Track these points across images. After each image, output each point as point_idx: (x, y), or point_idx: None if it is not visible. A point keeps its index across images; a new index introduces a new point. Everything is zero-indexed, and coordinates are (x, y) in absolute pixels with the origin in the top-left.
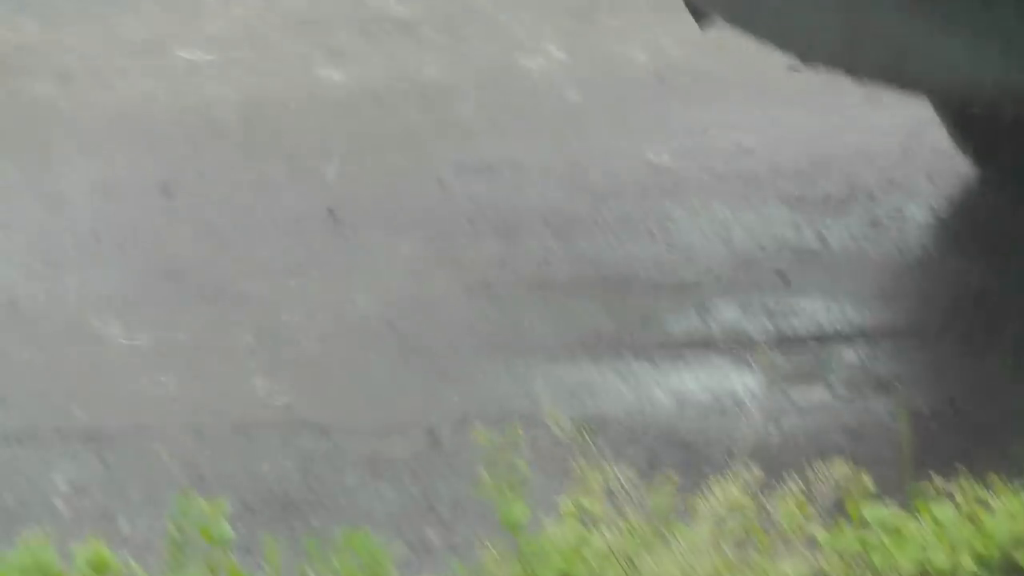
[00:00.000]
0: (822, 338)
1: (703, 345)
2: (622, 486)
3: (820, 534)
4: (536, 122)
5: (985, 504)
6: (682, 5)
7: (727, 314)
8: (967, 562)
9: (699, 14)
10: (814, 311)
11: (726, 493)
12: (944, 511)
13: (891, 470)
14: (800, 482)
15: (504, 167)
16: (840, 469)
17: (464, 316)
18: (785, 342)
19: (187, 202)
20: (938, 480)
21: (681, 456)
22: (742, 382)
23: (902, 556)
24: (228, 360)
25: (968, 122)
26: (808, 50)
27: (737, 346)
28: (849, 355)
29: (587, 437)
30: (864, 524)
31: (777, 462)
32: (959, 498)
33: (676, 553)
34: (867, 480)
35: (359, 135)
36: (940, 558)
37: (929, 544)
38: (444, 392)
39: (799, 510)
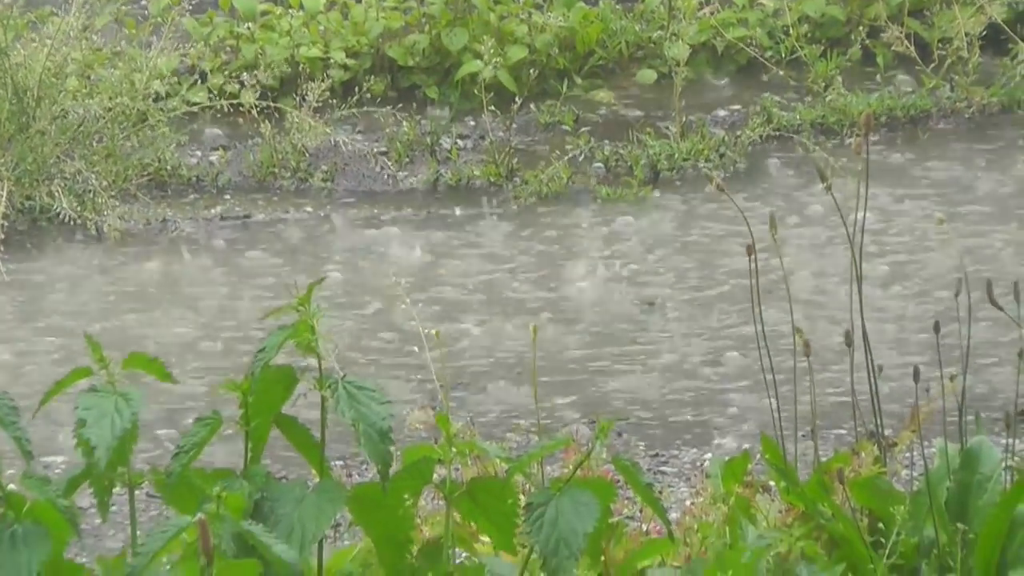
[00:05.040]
0: None
1: None
2: None
3: (189, 23)
4: None
5: None
6: None
7: None
8: (338, 55)
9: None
10: None
11: None
12: (313, 2)
13: None
14: None
15: None
16: None
17: None
18: None
19: None
20: None
21: None
22: None
23: (272, 47)
24: None
25: None
26: None
27: None
28: None
29: None
30: (234, 14)
31: None
32: None
33: (45, 41)
34: None
35: None
36: (311, 50)
37: (299, 36)
38: None
39: (170, 0)
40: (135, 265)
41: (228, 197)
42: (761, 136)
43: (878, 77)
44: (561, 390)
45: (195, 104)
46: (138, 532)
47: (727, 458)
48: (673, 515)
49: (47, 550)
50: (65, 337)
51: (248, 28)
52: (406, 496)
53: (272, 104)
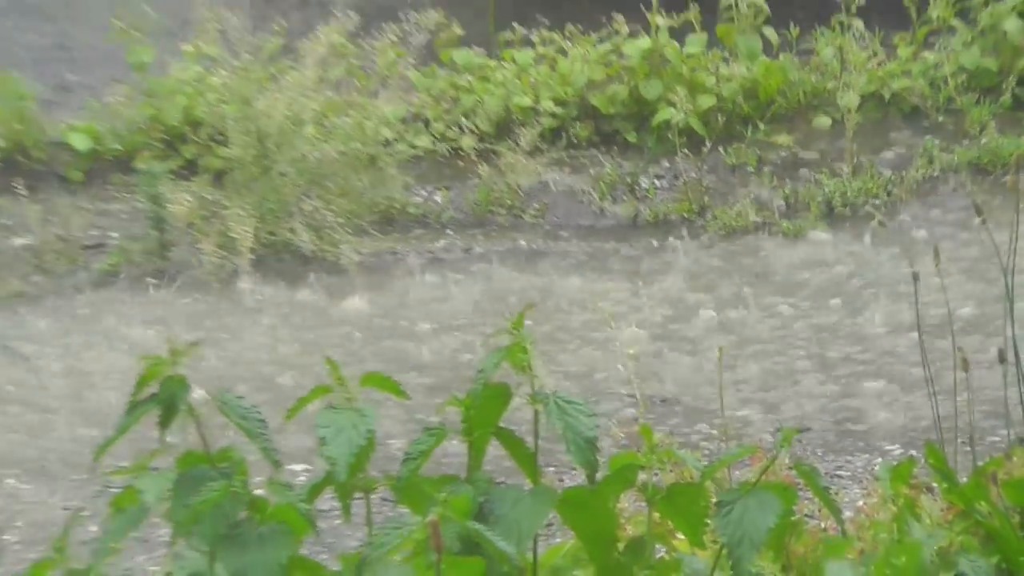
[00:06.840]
0: None
1: None
2: (236, 30)
3: (414, 75)
4: None
5: (562, 51)
6: None
7: None
8: (547, 104)
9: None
10: None
11: (329, 38)
12: (524, 56)
13: (479, 19)
14: (395, 28)
15: None
16: (432, 17)
17: None
18: None
19: None
20: (520, 29)
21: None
22: None
23: (488, 96)
24: None
25: None
26: None
27: None
28: None
29: None
30: (454, 67)
31: (374, 6)
32: (539, 46)
33: (285, 92)
34: (456, 28)
35: None
36: (523, 99)
37: (512, 86)
38: None
39: (395, 55)
40: (371, 292)
41: (450, 232)
42: (924, 175)
43: None
44: (748, 401)
45: (419, 148)
46: (373, 532)
47: (895, 463)
48: (847, 514)
49: (290, 548)
50: (307, 355)
51: (467, 80)
52: (611, 498)
53: (489, 148)
